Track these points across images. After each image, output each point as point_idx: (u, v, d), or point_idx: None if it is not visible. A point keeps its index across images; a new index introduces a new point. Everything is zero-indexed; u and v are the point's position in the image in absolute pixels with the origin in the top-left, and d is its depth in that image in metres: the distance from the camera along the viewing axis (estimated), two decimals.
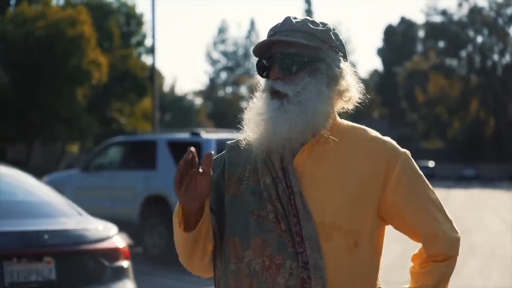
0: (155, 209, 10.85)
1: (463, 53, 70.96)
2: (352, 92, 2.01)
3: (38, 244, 4.72)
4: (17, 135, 32.49)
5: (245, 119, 2.00)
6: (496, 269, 10.80)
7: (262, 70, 2.02)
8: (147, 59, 44.19)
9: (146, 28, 44.42)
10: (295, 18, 2.02)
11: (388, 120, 73.38)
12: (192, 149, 1.85)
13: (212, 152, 1.86)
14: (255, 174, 1.98)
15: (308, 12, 79.19)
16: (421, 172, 2.03)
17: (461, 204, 25.91)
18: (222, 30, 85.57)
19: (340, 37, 2.04)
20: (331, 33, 2.01)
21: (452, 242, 2.00)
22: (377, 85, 78.02)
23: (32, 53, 30.46)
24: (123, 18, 43.30)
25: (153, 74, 26.05)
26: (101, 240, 5.11)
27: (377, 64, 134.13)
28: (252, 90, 2.06)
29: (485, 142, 67.74)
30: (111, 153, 12.48)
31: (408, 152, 2.02)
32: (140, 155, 11.65)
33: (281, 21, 2.03)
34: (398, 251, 10.92)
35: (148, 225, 10.87)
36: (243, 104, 2.10)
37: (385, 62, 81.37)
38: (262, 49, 2.01)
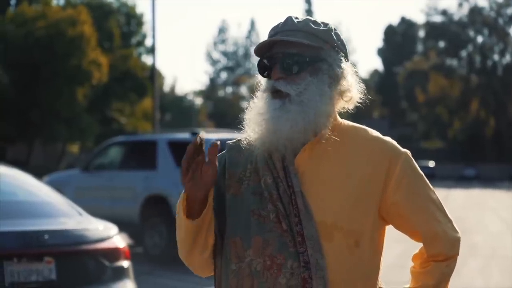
0: (155, 209, 10.84)
1: (464, 53, 70.96)
2: (353, 92, 2.01)
3: (39, 244, 4.72)
4: (17, 135, 32.48)
5: (246, 119, 2.00)
6: (496, 269, 10.80)
7: (264, 70, 2.01)
8: (147, 59, 44.29)
9: (146, 28, 44.50)
10: (296, 18, 2.02)
11: (388, 120, 73.34)
12: (202, 134, 1.85)
13: (218, 143, 1.86)
14: (256, 174, 1.98)
15: (309, 12, 79.15)
16: (421, 172, 2.03)
17: (461, 204, 25.89)
18: (222, 30, 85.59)
19: (341, 37, 2.04)
20: (332, 33, 2.01)
21: (453, 242, 2.00)
22: (377, 85, 77.99)
23: (32, 53, 30.45)
24: (123, 18, 43.31)
25: (153, 74, 26.05)
26: (102, 240, 5.11)
27: (377, 64, 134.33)
28: (252, 90, 2.06)
29: (485, 142, 67.72)
30: (111, 153, 12.48)
31: (408, 152, 2.02)
32: (140, 155, 11.64)
33: (282, 20, 2.02)
34: (398, 251, 10.92)
35: (148, 225, 10.86)
36: (244, 104, 2.10)
37: (385, 62, 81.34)
38: (264, 49, 2.01)
